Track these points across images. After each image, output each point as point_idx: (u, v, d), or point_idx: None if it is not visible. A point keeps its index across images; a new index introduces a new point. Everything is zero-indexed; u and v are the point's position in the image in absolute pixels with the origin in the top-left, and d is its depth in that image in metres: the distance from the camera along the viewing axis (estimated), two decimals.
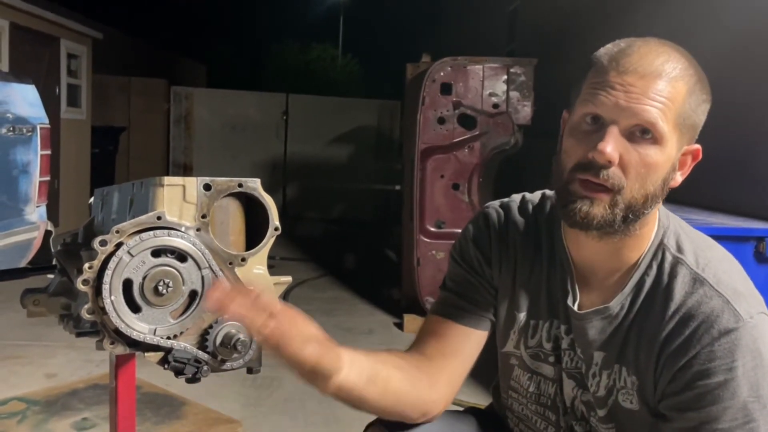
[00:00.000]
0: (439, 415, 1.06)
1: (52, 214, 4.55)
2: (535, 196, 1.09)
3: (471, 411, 1.24)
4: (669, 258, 0.94)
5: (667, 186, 0.92)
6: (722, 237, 2.24)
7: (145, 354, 1.01)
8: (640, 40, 0.90)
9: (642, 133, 0.87)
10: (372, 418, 1.08)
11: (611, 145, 0.86)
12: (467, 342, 1.07)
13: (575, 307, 0.99)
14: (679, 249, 0.95)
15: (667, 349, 0.91)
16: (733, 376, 0.86)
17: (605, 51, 0.91)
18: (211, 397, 2.80)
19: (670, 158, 0.89)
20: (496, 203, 1.12)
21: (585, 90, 0.90)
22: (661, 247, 0.95)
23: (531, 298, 1.05)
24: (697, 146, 0.93)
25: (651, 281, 0.95)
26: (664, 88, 0.86)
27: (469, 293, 1.09)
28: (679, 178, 0.93)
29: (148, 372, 2.68)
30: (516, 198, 1.11)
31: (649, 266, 0.95)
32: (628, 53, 0.88)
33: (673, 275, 0.93)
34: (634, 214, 0.90)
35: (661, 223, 0.97)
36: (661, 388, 0.92)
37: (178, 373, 1.02)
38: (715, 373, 0.87)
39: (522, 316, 1.06)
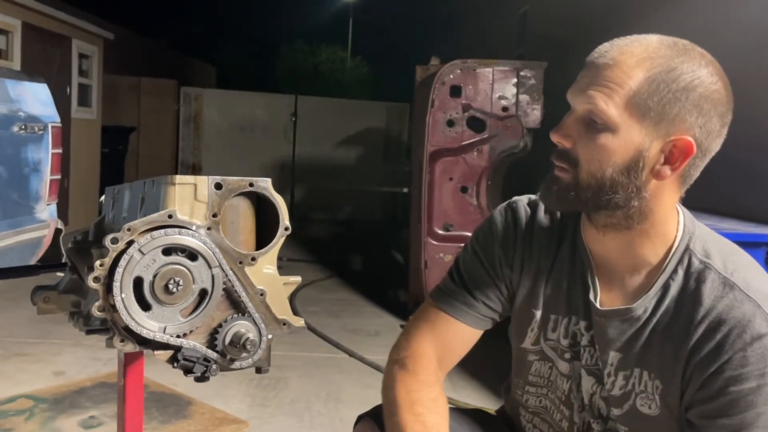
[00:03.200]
0: None
1: (62, 212, 4.58)
2: None
3: (476, 412, 1.24)
4: (696, 263, 0.94)
5: (636, 174, 0.90)
6: (734, 242, 2.23)
7: (155, 352, 1.01)
8: (627, 37, 0.92)
9: (595, 120, 0.90)
10: (364, 409, 1.11)
11: (563, 129, 0.93)
12: (469, 340, 1.12)
13: (597, 303, 0.99)
14: (707, 254, 0.95)
15: (698, 355, 0.90)
16: (766, 381, 0.86)
17: None
18: (218, 397, 2.81)
19: (630, 144, 0.89)
20: (524, 199, 1.12)
21: None
22: (687, 252, 0.95)
23: (551, 294, 1.06)
24: (686, 138, 0.89)
25: (678, 286, 0.94)
26: (611, 74, 0.89)
27: (481, 291, 1.10)
28: (667, 172, 0.91)
29: (155, 371, 2.69)
30: None
31: (675, 271, 0.95)
32: (597, 50, 0.92)
33: (701, 280, 0.93)
34: (593, 196, 0.92)
35: (687, 229, 0.97)
36: (690, 394, 0.92)
37: (188, 371, 1.02)
38: (748, 378, 0.86)
39: (539, 312, 1.07)
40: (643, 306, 0.96)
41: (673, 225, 0.96)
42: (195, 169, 9.53)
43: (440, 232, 4.06)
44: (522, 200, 1.12)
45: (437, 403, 1.01)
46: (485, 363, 1.47)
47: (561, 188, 0.94)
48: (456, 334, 1.10)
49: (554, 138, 0.94)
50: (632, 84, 0.88)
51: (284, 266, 1.10)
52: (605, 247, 0.99)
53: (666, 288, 0.95)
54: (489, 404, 2.78)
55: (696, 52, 0.90)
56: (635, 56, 0.88)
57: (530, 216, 1.09)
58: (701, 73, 0.88)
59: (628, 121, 0.89)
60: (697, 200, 1.02)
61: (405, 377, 1.04)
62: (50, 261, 3.59)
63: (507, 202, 1.13)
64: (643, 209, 0.93)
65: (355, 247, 6.97)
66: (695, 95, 0.88)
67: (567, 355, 1.04)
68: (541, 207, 1.09)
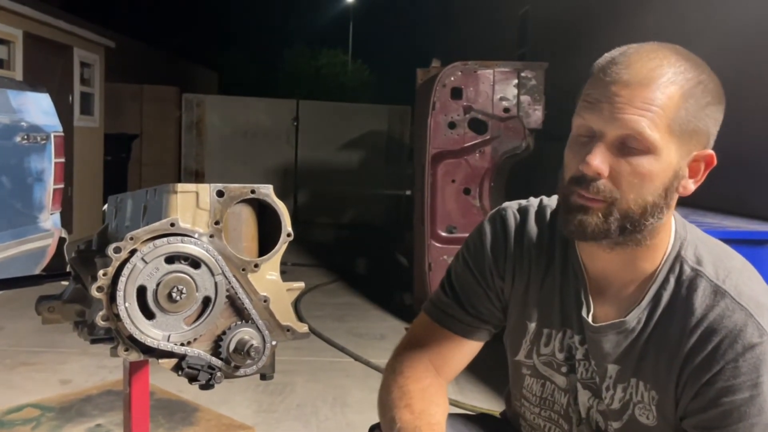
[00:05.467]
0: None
1: (66, 221, 4.58)
2: (552, 201, 1.06)
3: (483, 417, 1.23)
4: (687, 270, 0.92)
5: (671, 195, 0.89)
6: (739, 241, 2.22)
7: (159, 360, 1.01)
8: (634, 47, 0.88)
9: (632, 144, 0.85)
10: (371, 412, 1.10)
11: (598, 158, 0.85)
12: (467, 351, 1.10)
13: (590, 319, 0.98)
14: (698, 261, 0.93)
15: (690, 364, 0.89)
16: (759, 392, 0.85)
17: (599, 60, 0.90)
18: (224, 403, 2.80)
19: (669, 166, 0.86)
20: (514, 205, 1.09)
21: (579, 102, 0.90)
22: (678, 260, 0.93)
23: (543, 307, 1.04)
24: (709, 152, 0.89)
25: (669, 295, 0.93)
26: (651, 95, 0.84)
27: (473, 303, 1.08)
28: (691, 186, 0.90)
29: (161, 378, 2.69)
30: (534, 202, 1.08)
31: (666, 279, 0.93)
32: (616, 62, 0.86)
33: (692, 288, 0.91)
34: (632, 224, 0.88)
35: (678, 234, 0.95)
36: (684, 404, 0.91)
37: (192, 379, 1.02)
38: (741, 389, 0.85)
39: (533, 324, 1.05)
40: (636, 317, 0.94)
41: (668, 232, 0.95)
42: (198, 176, 9.54)
43: (444, 234, 4.05)
44: (512, 207, 1.09)
45: (426, 393, 1.01)
46: (492, 366, 1.45)
47: (599, 221, 0.87)
48: (452, 347, 1.09)
49: (590, 170, 0.85)
50: (671, 103, 0.84)
51: (288, 271, 1.10)
52: (606, 263, 0.96)
53: (658, 298, 0.93)
54: (495, 407, 2.77)
55: (698, 58, 0.88)
56: (664, 73, 0.84)
57: (520, 223, 1.06)
58: (713, 80, 0.87)
59: (667, 142, 0.85)
60: (702, 198, 1.01)
61: (396, 379, 1.04)
62: (54, 270, 3.59)
63: (497, 209, 1.11)
64: (657, 224, 0.91)
65: (359, 250, 6.97)
66: (714, 106, 0.88)
67: (564, 369, 1.02)
68: (531, 213, 1.06)
